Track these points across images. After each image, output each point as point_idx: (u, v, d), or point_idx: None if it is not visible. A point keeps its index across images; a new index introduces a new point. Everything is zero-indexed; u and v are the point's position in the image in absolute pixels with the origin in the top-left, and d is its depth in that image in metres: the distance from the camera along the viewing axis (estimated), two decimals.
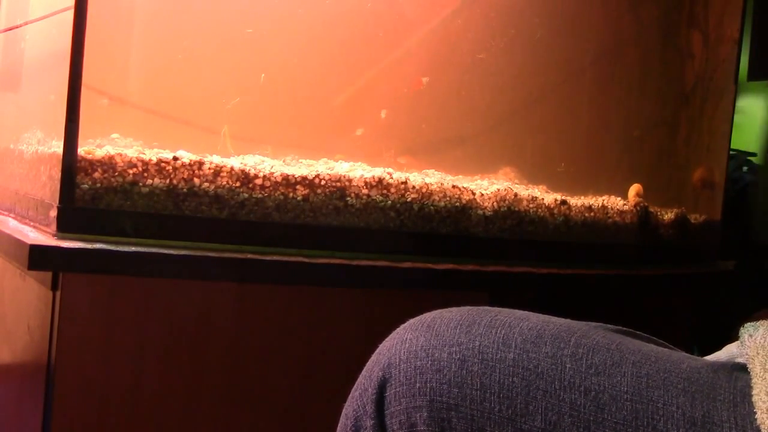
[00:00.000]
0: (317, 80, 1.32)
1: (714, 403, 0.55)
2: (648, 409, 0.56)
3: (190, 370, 1.09)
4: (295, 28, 1.29)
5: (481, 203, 1.28)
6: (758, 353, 0.58)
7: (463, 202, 1.26)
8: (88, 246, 0.97)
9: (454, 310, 0.66)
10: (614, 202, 1.51)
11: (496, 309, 0.65)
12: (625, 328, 0.64)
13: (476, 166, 1.45)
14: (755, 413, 0.54)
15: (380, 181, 1.20)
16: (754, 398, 0.55)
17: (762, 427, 0.53)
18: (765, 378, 0.55)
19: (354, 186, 1.17)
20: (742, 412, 0.54)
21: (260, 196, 1.11)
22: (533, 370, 0.59)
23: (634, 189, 1.57)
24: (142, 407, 1.05)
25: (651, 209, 1.56)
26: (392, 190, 1.21)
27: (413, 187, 1.23)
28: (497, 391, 0.59)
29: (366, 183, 1.18)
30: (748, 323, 0.61)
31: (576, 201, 1.41)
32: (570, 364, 0.59)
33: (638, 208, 1.52)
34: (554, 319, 0.64)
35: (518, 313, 0.64)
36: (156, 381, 1.06)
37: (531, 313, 0.65)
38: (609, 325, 0.65)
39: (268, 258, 1.07)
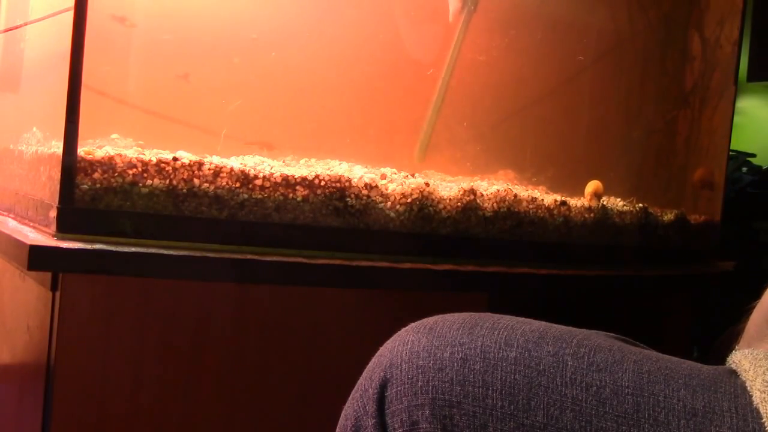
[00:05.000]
0: (316, 82, 1.32)
1: (715, 394, 0.56)
2: (649, 402, 0.56)
3: (189, 370, 1.08)
4: (296, 30, 1.29)
5: (481, 204, 1.28)
6: (746, 356, 0.59)
7: (464, 203, 1.26)
8: (88, 246, 0.97)
9: (456, 314, 0.67)
10: (614, 202, 1.51)
11: (498, 315, 0.66)
12: (625, 337, 0.65)
13: (476, 167, 1.45)
14: (755, 404, 0.55)
15: (379, 181, 1.20)
16: (755, 396, 0.55)
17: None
18: (758, 373, 0.56)
19: (354, 187, 1.17)
20: (743, 403, 0.55)
21: (260, 196, 1.11)
22: (535, 368, 0.59)
23: (592, 186, 1.44)
24: (142, 407, 1.05)
25: (651, 210, 1.56)
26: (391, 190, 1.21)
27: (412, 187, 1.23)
28: (499, 387, 0.59)
29: (366, 184, 1.18)
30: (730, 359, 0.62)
31: (576, 202, 1.41)
32: (572, 361, 0.59)
33: (594, 209, 1.41)
34: (555, 324, 0.65)
35: (520, 318, 0.65)
36: (156, 381, 1.06)
37: (532, 319, 0.65)
38: (610, 333, 0.65)
39: (268, 259, 1.07)
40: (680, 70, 1.79)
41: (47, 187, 1.07)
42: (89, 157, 1.02)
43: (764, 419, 0.54)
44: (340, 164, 1.26)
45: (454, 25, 1.37)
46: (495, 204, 1.30)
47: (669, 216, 1.61)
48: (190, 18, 1.24)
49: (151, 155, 1.06)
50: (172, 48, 1.20)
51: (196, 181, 1.07)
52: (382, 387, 0.64)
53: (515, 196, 1.32)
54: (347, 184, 1.17)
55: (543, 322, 0.65)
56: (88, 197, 1.02)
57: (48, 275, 1.01)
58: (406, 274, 1.16)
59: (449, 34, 1.39)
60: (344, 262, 1.12)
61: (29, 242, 0.94)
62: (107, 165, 1.03)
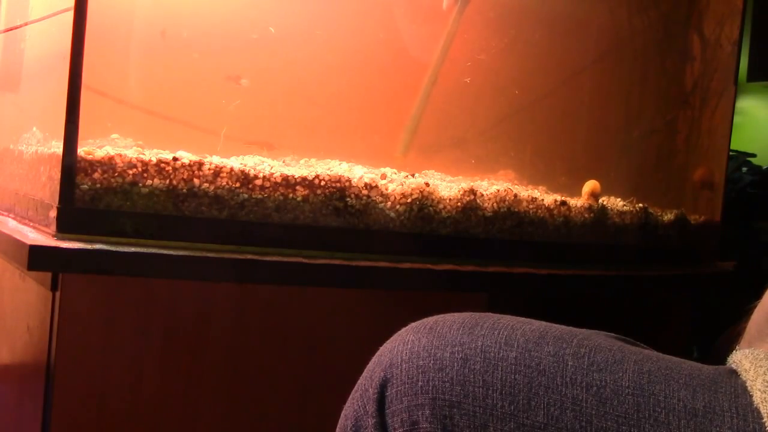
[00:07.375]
0: (316, 81, 1.32)
1: (715, 395, 0.56)
2: (650, 402, 0.56)
3: (190, 370, 1.09)
4: (296, 30, 1.29)
5: (481, 204, 1.28)
6: (746, 356, 0.59)
7: (464, 203, 1.26)
8: (88, 246, 0.97)
9: (456, 314, 0.67)
10: (614, 202, 1.51)
11: (498, 315, 0.66)
12: (625, 337, 0.65)
13: (476, 167, 1.45)
14: (755, 405, 0.55)
15: (379, 181, 1.20)
16: (756, 396, 0.55)
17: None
18: (758, 373, 0.56)
19: (354, 187, 1.17)
20: (743, 403, 0.55)
21: (260, 196, 1.11)
22: (535, 368, 0.59)
23: (589, 186, 1.43)
24: (142, 407, 1.05)
25: (651, 210, 1.56)
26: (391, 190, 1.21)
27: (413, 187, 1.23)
28: (499, 387, 0.59)
29: (366, 184, 1.18)
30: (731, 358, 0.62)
31: (576, 202, 1.41)
32: (572, 361, 0.59)
33: (591, 210, 1.40)
34: (556, 324, 0.65)
35: (520, 318, 0.65)
36: (156, 381, 1.06)
37: (532, 319, 0.65)
38: (610, 333, 0.65)
39: (268, 258, 1.07)
40: (680, 70, 1.79)
41: (47, 187, 1.07)
42: (89, 157, 1.02)
43: (765, 419, 0.54)
44: (340, 164, 1.26)
45: (448, 13, 1.36)
46: (495, 204, 1.30)
47: (669, 216, 1.61)
48: (191, 18, 1.24)
49: (151, 155, 1.06)
50: (173, 47, 1.20)
51: (196, 181, 1.07)
52: (382, 387, 0.64)
53: (515, 196, 1.32)
54: (347, 184, 1.17)
55: (543, 322, 0.65)
56: (88, 197, 1.02)
57: (48, 275, 1.01)
58: (406, 274, 1.16)
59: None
60: (344, 262, 1.12)
61: (29, 242, 0.94)
62: (107, 165, 1.03)
